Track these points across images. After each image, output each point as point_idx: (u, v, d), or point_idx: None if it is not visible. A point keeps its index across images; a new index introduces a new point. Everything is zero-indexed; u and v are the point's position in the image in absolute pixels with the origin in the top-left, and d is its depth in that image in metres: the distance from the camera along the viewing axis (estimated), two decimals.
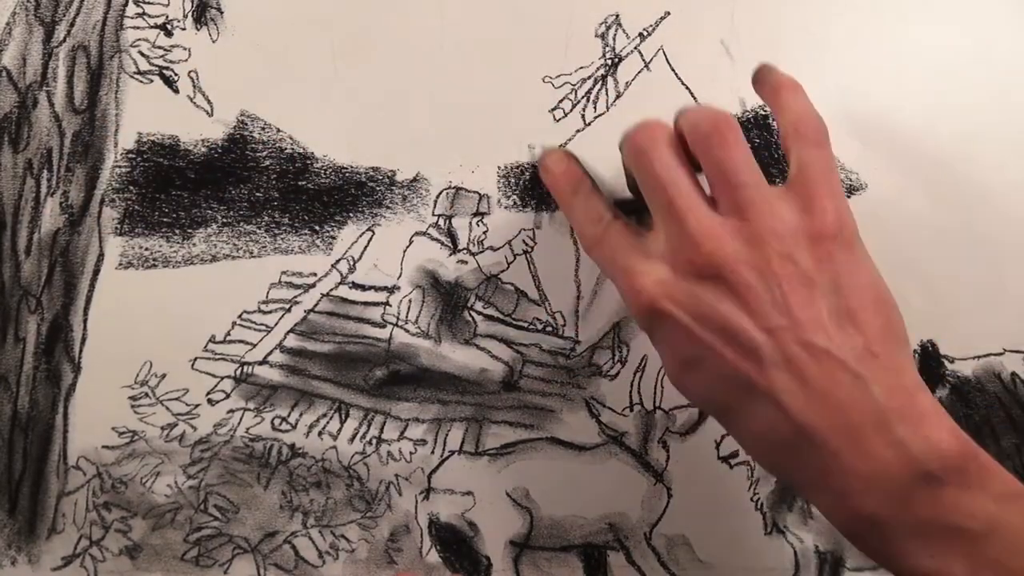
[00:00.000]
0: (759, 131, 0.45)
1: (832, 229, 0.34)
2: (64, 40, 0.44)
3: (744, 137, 0.35)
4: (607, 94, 0.45)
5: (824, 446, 0.32)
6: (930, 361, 0.45)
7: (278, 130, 0.44)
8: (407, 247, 0.45)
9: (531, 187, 0.45)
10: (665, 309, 0.34)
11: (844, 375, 0.32)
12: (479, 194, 0.45)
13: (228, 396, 0.45)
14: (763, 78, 0.38)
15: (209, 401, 0.44)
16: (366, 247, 0.45)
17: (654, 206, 0.36)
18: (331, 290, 0.45)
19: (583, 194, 0.39)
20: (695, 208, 0.34)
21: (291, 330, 0.45)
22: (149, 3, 0.44)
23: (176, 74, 0.44)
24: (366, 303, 0.45)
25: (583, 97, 0.45)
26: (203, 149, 0.44)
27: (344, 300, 0.45)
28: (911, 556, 0.32)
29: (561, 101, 0.45)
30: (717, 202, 0.35)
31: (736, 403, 0.34)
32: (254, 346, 0.45)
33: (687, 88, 0.45)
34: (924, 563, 0.32)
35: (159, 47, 0.45)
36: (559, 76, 0.45)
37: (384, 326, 0.45)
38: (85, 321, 0.44)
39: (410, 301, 0.45)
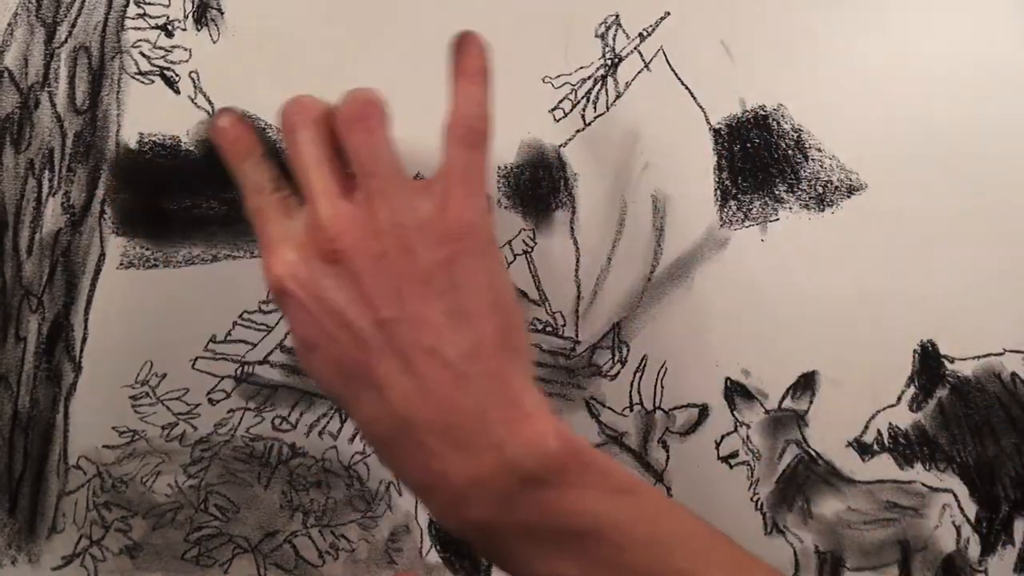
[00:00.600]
0: (759, 131, 0.45)
1: (460, 231, 0.34)
2: (66, 41, 0.45)
3: (388, 124, 0.35)
4: (607, 94, 0.45)
5: (425, 443, 0.32)
6: (930, 361, 0.45)
7: (278, 130, 0.44)
8: None
9: (531, 187, 0.45)
10: (288, 288, 0.34)
11: (446, 373, 0.32)
12: None
13: (228, 396, 0.45)
14: (455, 52, 0.37)
15: (210, 401, 0.45)
16: None
17: (299, 185, 0.35)
18: None
19: (252, 161, 0.38)
20: (328, 193, 0.34)
21: None
22: (150, 4, 0.45)
23: (177, 75, 0.45)
24: None
25: (583, 97, 0.45)
26: (204, 149, 0.44)
27: None
28: (525, 561, 0.32)
29: (561, 101, 0.45)
30: (357, 189, 0.34)
31: (348, 390, 0.34)
32: (254, 346, 0.45)
33: (687, 88, 0.45)
34: (537, 567, 0.32)
35: (160, 48, 0.45)
36: (559, 76, 0.45)
37: None
38: (86, 321, 0.44)
39: None
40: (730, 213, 0.45)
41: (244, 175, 0.37)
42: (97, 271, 0.44)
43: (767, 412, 0.45)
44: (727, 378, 0.45)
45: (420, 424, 0.32)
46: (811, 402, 0.45)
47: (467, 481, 0.32)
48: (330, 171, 0.35)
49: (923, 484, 0.45)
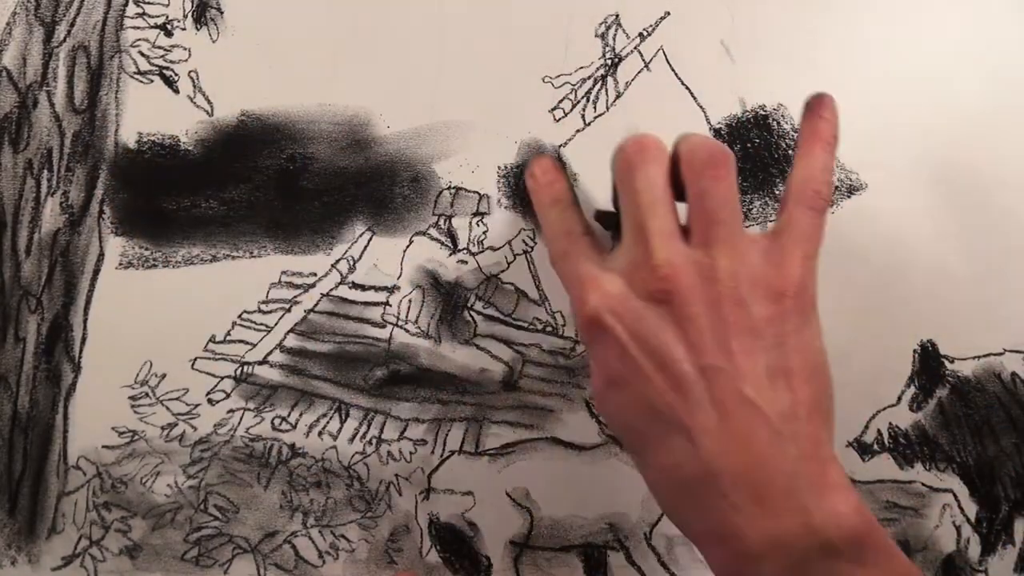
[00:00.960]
0: (759, 131, 0.45)
1: (793, 290, 0.33)
2: (64, 40, 0.44)
3: (736, 176, 0.35)
4: (607, 94, 0.45)
5: (728, 496, 0.32)
6: (930, 361, 0.45)
7: (278, 130, 0.44)
8: (407, 247, 0.45)
9: None
10: (606, 322, 0.34)
11: (764, 430, 0.32)
12: (479, 194, 0.45)
13: (228, 396, 0.45)
14: (809, 112, 0.37)
15: (209, 401, 0.44)
16: (366, 247, 0.45)
17: (627, 222, 0.35)
18: (331, 290, 0.45)
19: (560, 207, 0.38)
20: (664, 232, 0.34)
21: (291, 330, 0.45)
22: (149, 3, 0.44)
23: (176, 74, 0.45)
24: (366, 303, 0.45)
25: (583, 97, 0.45)
26: (203, 149, 0.44)
27: (344, 300, 0.45)
28: None
29: (561, 101, 0.45)
30: (691, 233, 0.34)
31: (651, 432, 0.33)
32: (254, 346, 0.45)
33: (687, 88, 0.45)
34: None
35: (159, 47, 0.45)
36: (559, 76, 0.45)
37: (384, 326, 0.45)
38: (85, 321, 0.44)
39: (410, 301, 0.45)
40: None
41: (552, 220, 0.38)
42: (96, 271, 0.44)
43: None
44: None
45: (727, 476, 0.32)
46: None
47: (765, 539, 0.31)
48: (668, 211, 0.35)
49: (923, 484, 0.45)
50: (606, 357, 0.34)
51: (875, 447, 0.45)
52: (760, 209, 0.45)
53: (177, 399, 0.44)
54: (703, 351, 0.32)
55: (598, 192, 0.45)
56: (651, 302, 0.33)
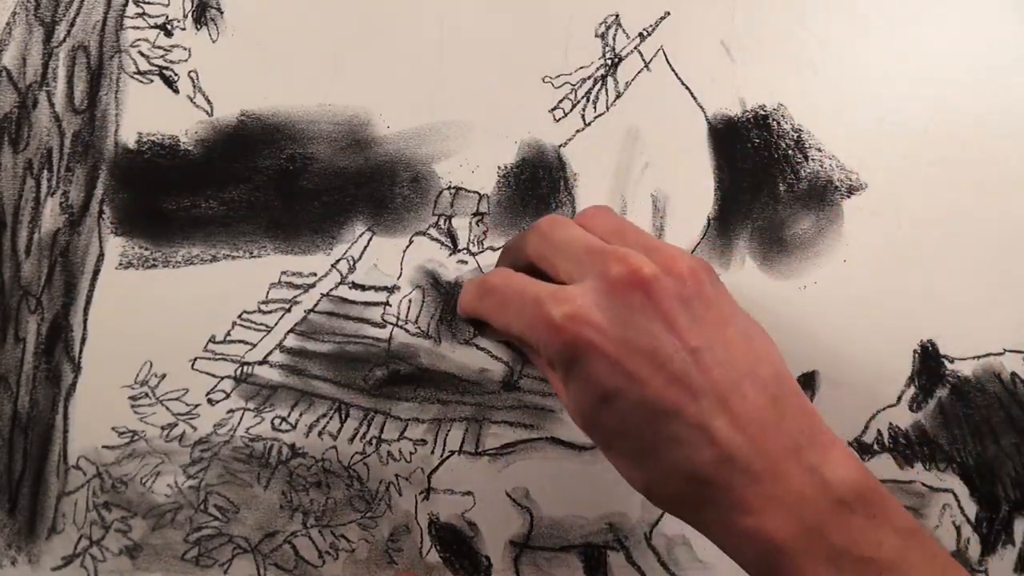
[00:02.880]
0: (759, 131, 0.45)
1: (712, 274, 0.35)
2: (64, 40, 0.44)
3: None
4: (607, 94, 0.45)
5: (746, 471, 0.32)
6: (930, 361, 0.45)
7: (278, 130, 0.44)
8: (407, 247, 0.45)
9: (531, 187, 0.45)
10: (587, 337, 0.33)
11: (764, 399, 0.32)
12: (479, 194, 0.45)
13: (228, 396, 0.45)
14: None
15: (209, 401, 0.44)
16: (366, 247, 0.45)
17: (571, 263, 0.35)
18: (331, 290, 0.45)
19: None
20: (615, 245, 0.35)
21: (291, 330, 0.45)
22: (149, 3, 0.44)
23: (176, 74, 0.44)
24: (366, 303, 0.45)
25: (583, 97, 0.45)
26: (203, 149, 0.44)
27: (344, 300, 0.45)
28: None
29: (561, 101, 0.45)
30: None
31: (656, 434, 0.33)
32: (254, 346, 0.45)
33: (687, 88, 0.45)
34: None
35: (159, 47, 0.45)
36: (559, 76, 0.45)
37: (384, 326, 0.45)
38: (85, 321, 0.44)
39: (410, 301, 0.45)
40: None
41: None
42: (96, 271, 0.44)
43: None
44: None
45: (743, 452, 0.32)
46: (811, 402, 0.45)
47: (783, 503, 0.31)
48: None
49: (923, 484, 0.45)
50: (595, 374, 0.33)
51: (875, 447, 0.45)
52: (759, 211, 0.45)
53: (177, 399, 0.44)
54: (688, 335, 0.33)
55: (597, 191, 0.45)
56: (628, 299, 0.33)
